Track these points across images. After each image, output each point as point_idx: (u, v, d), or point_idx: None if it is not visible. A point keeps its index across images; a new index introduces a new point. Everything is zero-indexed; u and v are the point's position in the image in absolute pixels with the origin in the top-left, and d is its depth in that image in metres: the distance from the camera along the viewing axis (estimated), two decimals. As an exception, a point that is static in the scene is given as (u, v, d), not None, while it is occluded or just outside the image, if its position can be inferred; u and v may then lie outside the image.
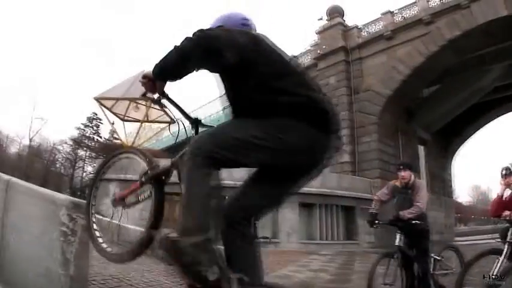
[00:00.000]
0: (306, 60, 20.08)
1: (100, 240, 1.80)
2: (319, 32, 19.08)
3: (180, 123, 1.72)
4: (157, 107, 1.97)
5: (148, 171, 1.69)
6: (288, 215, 11.00)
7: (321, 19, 19.37)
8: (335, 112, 1.48)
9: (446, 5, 15.01)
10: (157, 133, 18.84)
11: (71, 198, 1.94)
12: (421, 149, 19.64)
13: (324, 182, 11.96)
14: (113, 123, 17.75)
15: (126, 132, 17.85)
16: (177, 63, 1.44)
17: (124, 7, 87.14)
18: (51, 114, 31.46)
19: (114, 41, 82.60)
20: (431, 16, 15.27)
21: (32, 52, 66.30)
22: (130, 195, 1.78)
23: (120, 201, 1.80)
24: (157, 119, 15.50)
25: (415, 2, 16.35)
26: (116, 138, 34.92)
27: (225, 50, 1.38)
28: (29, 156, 37.57)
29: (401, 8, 16.95)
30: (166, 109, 1.75)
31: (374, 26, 17.44)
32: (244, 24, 1.72)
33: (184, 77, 1.51)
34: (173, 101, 1.65)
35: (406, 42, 15.97)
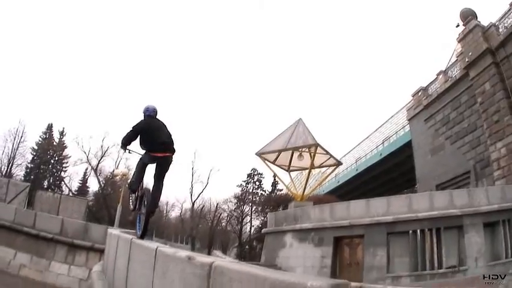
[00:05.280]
0: (455, 72, 19.18)
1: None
2: (460, 40, 18.09)
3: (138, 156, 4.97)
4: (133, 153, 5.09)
5: None
6: (474, 239, 10.35)
7: (458, 26, 18.41)
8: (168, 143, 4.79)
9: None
10: (324, 179, 18.86)
11: (330, 281, 1.46)
12: None
13: (503, 196, 10.91)
14: (274, 176, 18.76)
15: (292, 182, 18.28)
16: (128, 139, 4.86)
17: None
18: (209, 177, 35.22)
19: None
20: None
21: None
22: None
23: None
24: (323, 164, 15.79)
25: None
26: (279, 190, 38.13)
27: (135, 131, 4.83)
28: (193, 218, 39.92)
29: (522, -11, 14.83)
30: (134, 152, 5.00)
31: (508, 19, 15.59)
32: (147, 110, 5.04)
33: (131, 144, 4.92)
34: (133, 150, 4.99)
35: (541, 25, 13.54)
